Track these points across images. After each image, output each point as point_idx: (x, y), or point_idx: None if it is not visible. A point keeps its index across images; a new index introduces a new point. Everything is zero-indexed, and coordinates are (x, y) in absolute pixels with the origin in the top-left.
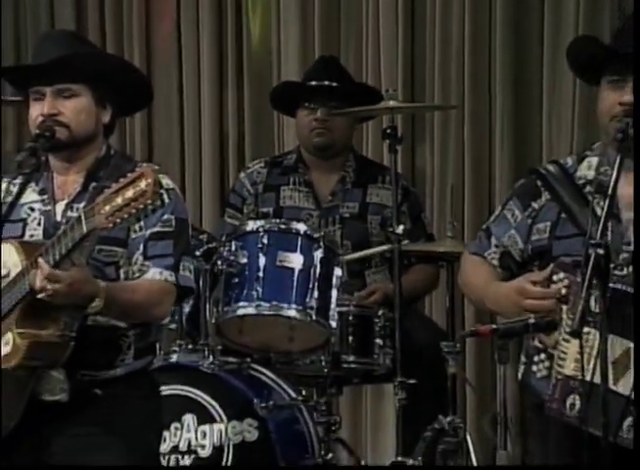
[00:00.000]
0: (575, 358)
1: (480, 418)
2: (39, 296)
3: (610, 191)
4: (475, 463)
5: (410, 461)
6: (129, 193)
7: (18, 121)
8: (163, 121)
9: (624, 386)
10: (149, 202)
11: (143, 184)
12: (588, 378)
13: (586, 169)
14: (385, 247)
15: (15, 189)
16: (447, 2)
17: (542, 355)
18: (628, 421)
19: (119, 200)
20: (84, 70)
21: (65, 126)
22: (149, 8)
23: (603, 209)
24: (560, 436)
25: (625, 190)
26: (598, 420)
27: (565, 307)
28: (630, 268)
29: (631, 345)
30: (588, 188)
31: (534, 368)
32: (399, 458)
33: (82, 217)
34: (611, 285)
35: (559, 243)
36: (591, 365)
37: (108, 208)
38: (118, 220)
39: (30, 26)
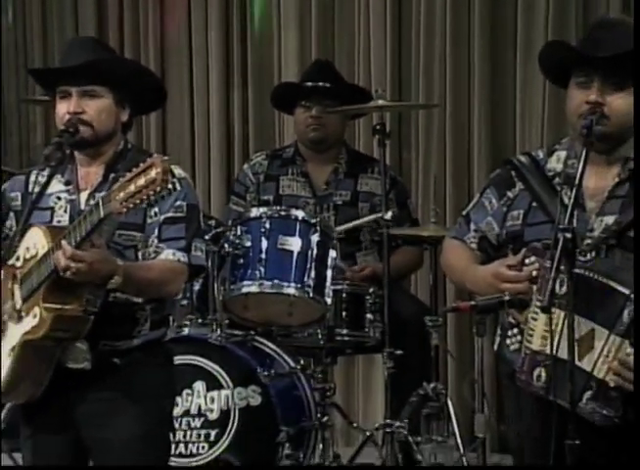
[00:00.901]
0: (542, 335)
1: (460, 385)
2: (63, 274)
3: (576, 182)
4: (455, 426)
5: (397, 423)
6: (141, 181)
7: (45, 118)
8: (176, 118)
9: (588, 363)
10: (158, 188)
11: (153, 173)
12: (554, 353)
13: (555, 162)
14: (372, 216)
15: (43, 180)
16: (431, 13)
17: (515, 330)
18: (587, 394)
19: (132, 187)
20: (107, 74)
21: (88, 125)
22: (163, 18)
23: (570, 198)
24: (531, 401)
25: (590, 182)
26: (563, 390)
27: (534, 288)
28: (593, 254)
29: (596, 326)
30: (557, 180)
31: (508, 341)
32: (388, 421)
33: (100, 203)
34: (575, 270)
35: (530, 229)
36: (556, 342)
37: (122, 194)
38: (132, 205)
39: (57, 31)
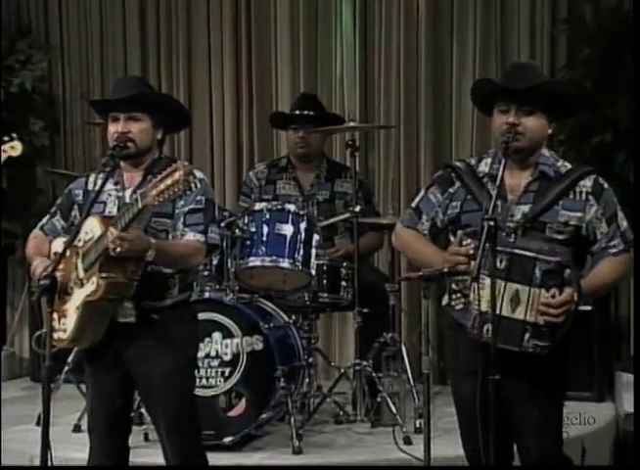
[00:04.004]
0: (487, 300)
1: (411, 334)
2: (113, 252)
3: (498, 181)
4: (407, 365)
5: (364, 362)
6: (168, 181)
7: (103, 137)
8: (199, 136)
9: (520, 313)
10: (181, 187)
11: (177, 175)
12: (497, 312)
13: (484, 166)
14: (345, 215)
15: (99, 181)
16: (389, 58)
17: (458, 295)
18: (527, 336)
19: (162, 186)
20: (147, 105)
21: (132, 142)
22: (190, 61)
23: (494, 194)
24: (466, 346)
25: (509, 180)
26: (504, 337)
27: (473, 263)
28: (517, 233)
29: (519, 286)
30: (485, 179)
31: (453, 303)
32: (357, 361)
33: (138, 199)
34: (508, 249)
35: (465, 216)
36: (498, 304)
37: (154, 191)
38: (162, 200)
39: (111, 71)
